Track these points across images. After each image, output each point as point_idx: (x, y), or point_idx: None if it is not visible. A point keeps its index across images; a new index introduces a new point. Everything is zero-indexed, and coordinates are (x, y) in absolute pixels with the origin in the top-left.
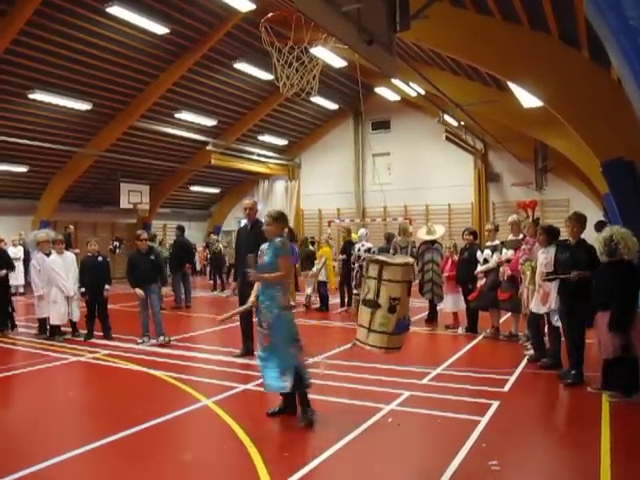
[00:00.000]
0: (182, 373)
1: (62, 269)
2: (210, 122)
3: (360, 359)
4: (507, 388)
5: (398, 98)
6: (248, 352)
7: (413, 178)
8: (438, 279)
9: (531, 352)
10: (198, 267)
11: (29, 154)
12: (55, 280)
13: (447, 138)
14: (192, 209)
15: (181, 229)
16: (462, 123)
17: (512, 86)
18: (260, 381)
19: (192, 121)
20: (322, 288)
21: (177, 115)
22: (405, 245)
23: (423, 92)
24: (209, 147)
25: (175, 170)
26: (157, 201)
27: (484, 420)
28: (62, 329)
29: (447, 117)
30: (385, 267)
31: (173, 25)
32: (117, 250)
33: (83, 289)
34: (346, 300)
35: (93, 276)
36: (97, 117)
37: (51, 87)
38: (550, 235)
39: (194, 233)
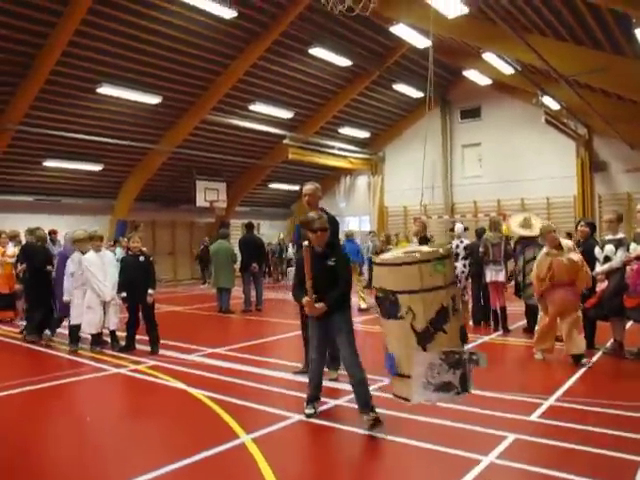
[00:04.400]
0: (228, 394)
1: (99, 269)
2: (286, 114)
3: None
4: None
5: (489, 82)
6: None
7: (507, 170)
8: None
9: None
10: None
11: (103, 152)
12: (90, 282)
13: (547, 121)
14: (272, 207)
15: (249, 226)
16: (563, 104)
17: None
18: (321, 409)
19: (267, 113)
20: None
21: (251, 107)
22: (497, 242)
23: (519, 68)
24: (286, 141)
25: (252, 166)
26: (235, 199)
27: None
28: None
29: (546, 98)
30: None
31: (241, 8)
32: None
33: (124, 294)
34: None
35: (134, 278)
36: (168, 111)
37: (118, 80)
38: None
39: (276, 232)
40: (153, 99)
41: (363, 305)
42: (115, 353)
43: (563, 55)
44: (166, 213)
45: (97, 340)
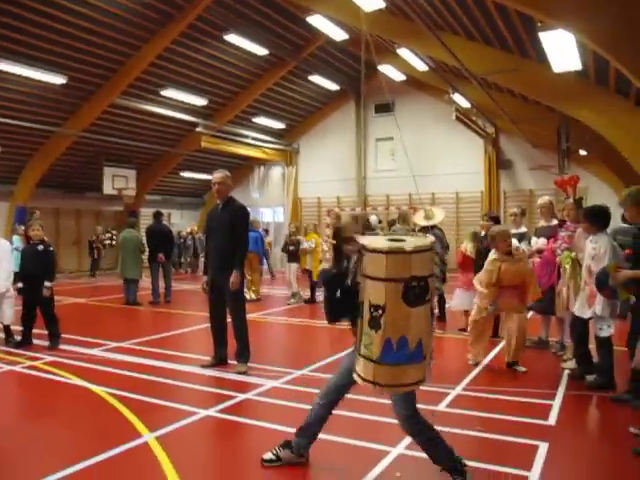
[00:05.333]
0: (131, 391)
1: None
2: (200, 101)
3: None
4: (553, 420)
5: (403, 78)
6: (221, 361)
7: (419, 164)
8: (437, 270)
9: (570, 365)
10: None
11: (1, 133)
12: None
13: (457, 118)
14: (184, 196)
15: (157, 215)
16: (472, 103)
17: (546, 43)
18: (228, 404)
19: (180, 99)
20: (310, 278)
21: (163, 92)
22: (405, 234)
23: (432, 65)
24: (199, 129)
25: (163, 154)
26: (145, 187)
27: (533, 477)
28: None
29: (457, 96)
30: (366, 253)
31: None
32: None
33: (20, 284)
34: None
35: (32, 269)
36: (74, 93)
37: (17, 56)
38: (596, 220)
39: (187, 222)
40: (57, 79)
41: (253, 296)
42: (9, 349)
43: (473, 54)
44: (71, 200)
45: None
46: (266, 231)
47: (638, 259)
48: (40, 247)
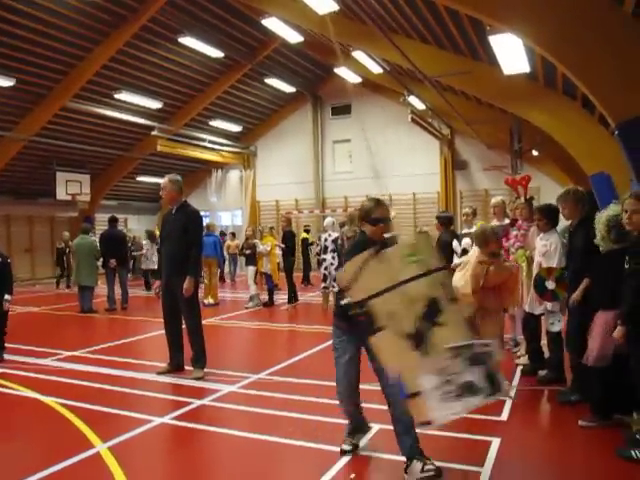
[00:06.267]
0: (84, 400)
1: None
2: (155, 104)
3: (315, 376)
4: (506, 415)
5: (359, 80)
6: (178, 367)
7: (376, 166)
8: None
9: (524, 361)
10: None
11: None
12: None
13: (413, 120)
14: (140, 201)
15: (111, 220)
16: (427, 105)
17: (495, 46)
18: (184, 411)
19: (134, 103)
20: (268, 281)
21: (117, 96)
22: (352, 235)
23: (387, 68)
24: (155, 132)
25: (118, 158)
26: (100, 192)
27: (485, 473)
28: None
29: (412, 98)
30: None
31: None
32: None
33: None
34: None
35: None
36: (23, 96)
37: None
38: (550, 217)
39: (144, 227)
40: (5, 82)
41: (212, 301)
42: None
43: (427, 57)
44: (23, 207)
45: None
46: (233, 234)
47: (570, 254)
48: None
